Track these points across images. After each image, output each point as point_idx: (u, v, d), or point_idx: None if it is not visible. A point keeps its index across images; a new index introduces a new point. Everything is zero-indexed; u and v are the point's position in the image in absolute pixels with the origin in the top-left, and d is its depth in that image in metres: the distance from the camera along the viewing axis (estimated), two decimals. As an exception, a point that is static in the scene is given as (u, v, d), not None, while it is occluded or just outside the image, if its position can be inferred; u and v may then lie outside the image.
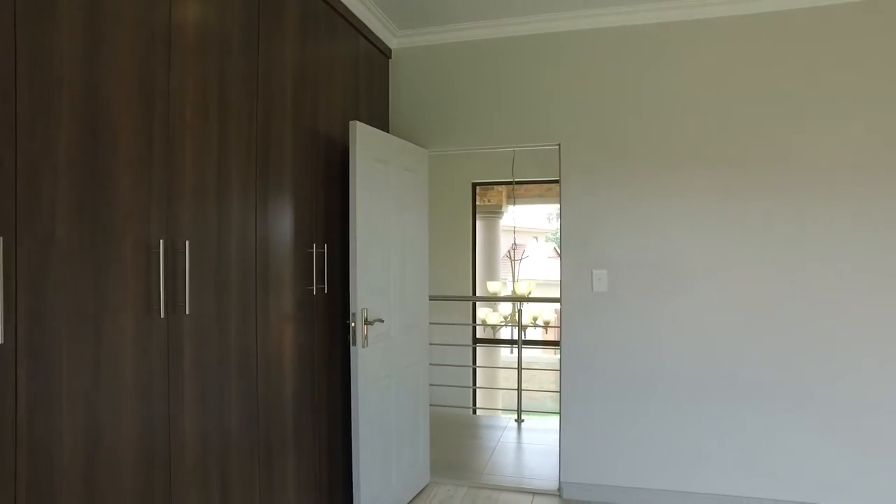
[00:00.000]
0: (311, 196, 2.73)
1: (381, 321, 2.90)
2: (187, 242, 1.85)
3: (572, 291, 3.41)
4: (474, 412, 6.03)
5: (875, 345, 3.02)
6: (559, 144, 3.44)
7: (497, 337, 6.50)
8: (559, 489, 3.40)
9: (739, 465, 3.16)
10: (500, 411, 6.17)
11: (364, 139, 2.84)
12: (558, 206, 3.49)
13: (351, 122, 2.80)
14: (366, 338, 2.80)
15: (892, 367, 2.99)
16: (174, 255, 1.81)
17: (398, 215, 3.20)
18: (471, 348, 6.45)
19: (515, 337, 6.02)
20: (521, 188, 7.64)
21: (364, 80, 3.34)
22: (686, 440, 3.23)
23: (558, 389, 3.46)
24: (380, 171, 3.01)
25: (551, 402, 8.34)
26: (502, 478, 3.69)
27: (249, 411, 2.24)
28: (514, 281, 5.77)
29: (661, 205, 3.29)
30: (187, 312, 1.86)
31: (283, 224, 2.48)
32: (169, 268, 1.79)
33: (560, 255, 3.48)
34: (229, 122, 2.11)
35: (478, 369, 6.75)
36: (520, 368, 5.11)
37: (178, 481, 1.84)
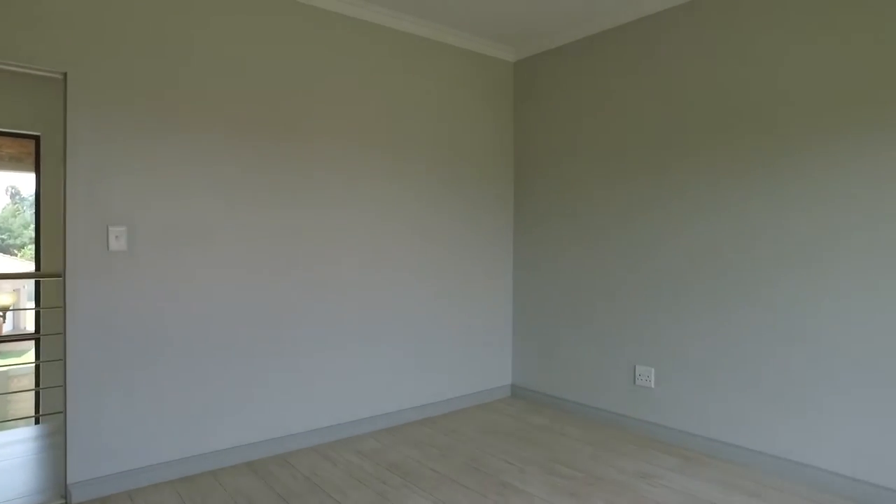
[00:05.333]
0: None
1: None
2: None
3: (81, 253, 2.84)
4: None
5: (361, 290, 3.78)
6: (65, 74, 2.81)
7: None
8: (66, 494, 2.75)
9: (278, 408, 3.35)
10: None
11: None
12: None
13: None
14: None
15: (382, 307, 3.79)
16: None
17: None
18: None
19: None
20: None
21: None
22: (211, 395, 3.17)
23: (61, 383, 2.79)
24: None
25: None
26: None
27: None
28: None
29: (187, 161, 3.12)
30: None
31: None
32: None
33: (65, 210, 2.83)
34: None
35: None
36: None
37: None
